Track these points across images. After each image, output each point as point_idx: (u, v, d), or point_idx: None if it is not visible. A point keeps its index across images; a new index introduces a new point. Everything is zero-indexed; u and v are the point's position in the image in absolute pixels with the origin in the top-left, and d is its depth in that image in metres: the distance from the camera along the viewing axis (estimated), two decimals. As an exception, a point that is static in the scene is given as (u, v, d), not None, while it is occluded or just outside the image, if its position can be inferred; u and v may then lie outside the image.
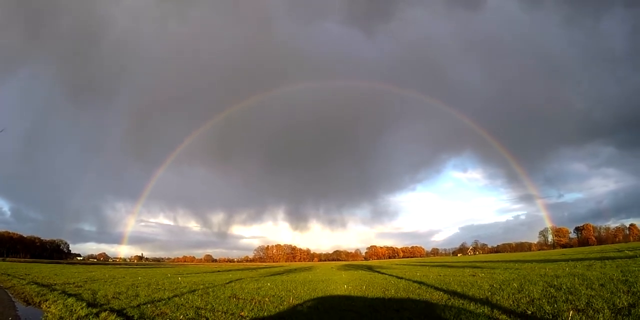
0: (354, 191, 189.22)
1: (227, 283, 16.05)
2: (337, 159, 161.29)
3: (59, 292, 11.72)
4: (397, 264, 49.34)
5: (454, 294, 9.56)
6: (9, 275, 22.21)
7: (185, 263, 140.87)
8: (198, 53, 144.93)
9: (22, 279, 18.82)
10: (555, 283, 10.52)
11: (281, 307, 8.54)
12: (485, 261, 42.30)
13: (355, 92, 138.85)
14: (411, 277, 17.27)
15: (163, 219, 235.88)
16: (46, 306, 9.50)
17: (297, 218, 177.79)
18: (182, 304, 9.11)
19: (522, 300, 7.91)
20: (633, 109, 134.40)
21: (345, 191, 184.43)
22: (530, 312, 6.76)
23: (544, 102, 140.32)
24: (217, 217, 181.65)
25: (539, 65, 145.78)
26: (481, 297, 8.76)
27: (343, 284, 14.13)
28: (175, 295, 10.94)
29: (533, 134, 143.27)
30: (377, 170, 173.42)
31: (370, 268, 35.41)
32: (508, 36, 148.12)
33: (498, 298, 8.40)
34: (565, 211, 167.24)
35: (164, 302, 9.60)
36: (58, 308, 8.79)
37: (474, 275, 16.54)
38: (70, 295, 11.05)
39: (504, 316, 6.47)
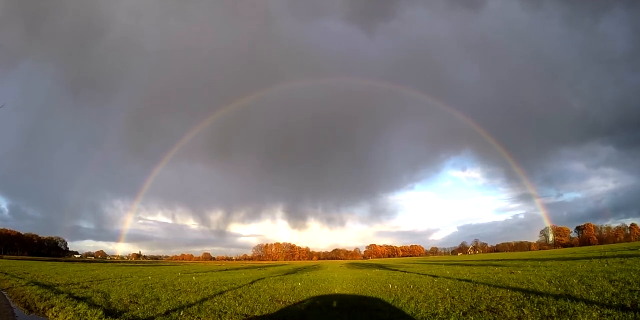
0: (352, 189, 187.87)
1: (251, 283, 14.42)
2: (336, 157, 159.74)
3: (65, 295, 9.98)
4: (408, 263, 47.86)
5: (522, 291, 8.79)
6: (6, 274, 20.43)
7: (184, 261, 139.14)
8: (198, 50, 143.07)
9: (21, 278, 17.08)
10: (615, 278, 10.26)
11: (340, 313, 6.90)
12: (499, 259, 41.19)
13: (355, 90, 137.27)
14: (448, 275, 16.15)
15: (161, 217, 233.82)
16: (52, 314, 7.74)
17: (296, 216, 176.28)
18: (220, 310, 7.45)
19: (604, 295, 7.48)
20: (632, 109, 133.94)
21: (344, 189, 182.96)
22: (629, 304, 6.43)
23: (543, 101, 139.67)
24: (215, 215, 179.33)
25: (539, 65, 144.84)
26: (557, 293, 8.11)
27: (386, 284, 12.57)
28: (204, 299, 9.28)
29: (532, 133, 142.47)
30: (376, 169, 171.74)
31: (383, 267, 33.87)
32: (508, 36, 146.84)
33: (577, 294, 7.84)
34: (564, 211, 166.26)
35: (195, 307, 7.94)
36: (68, 317, 7.09)
37: (512, 273, 15.84)
38: (78, 299, 9.35)
39: (607, 310, 6.02)
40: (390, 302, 8.24)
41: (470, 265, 28.54)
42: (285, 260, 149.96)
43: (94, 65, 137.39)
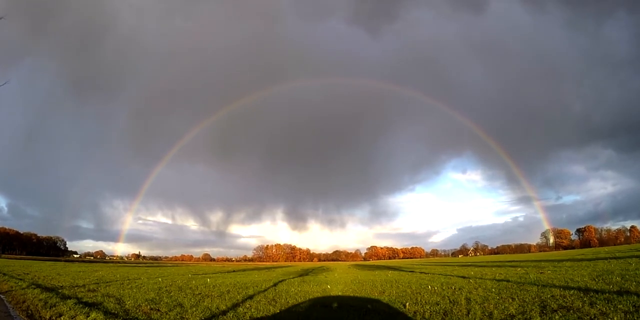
0: (353, 191, 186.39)
1: (274, 285, 13.18)
2: (337, 159, 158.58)
3: (74, 300, 8.69)
4: (416, 265, 46.60)
5: (576, 289, 8.40)
6: (5, 274, 19.04)
7: (185, 262, 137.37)
8: (201, 50, 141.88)
9: (21, 279, 15.76)
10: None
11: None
12: (510, 261, 40.04)
13: (357, 92, 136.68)
14: (477, 276, 15.23)
15: (161, 217, 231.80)
16: (63, 325, 6.51)
17: (296, 218, 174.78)
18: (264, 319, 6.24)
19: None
20: (633, 112, 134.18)
21: (345, 191, 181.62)
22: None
23: (544, 104, 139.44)
24: (215, 216, 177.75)
25: (541, 68, 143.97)
26: (613, 290, 7.87)
27: (422, 286, 11.46)
28: (235, 305, 8.04)
29: (533, 135, 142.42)
30: (376, 170, 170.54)
31: (393, 268, 32.53)
32: (511, 38, 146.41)
33: (635, 290, 7.61)
34: (564, 213, 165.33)
35: (230, 315, 6.72)
36: (83, 329, 5.86)
37: (542, 273, 15.31)
38: (89, 305, 8.09)
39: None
40: (449, 303, 7.36)
41: (486, 266, 27.33)
42: (285, 261, 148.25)
43: (97, 64, 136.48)
